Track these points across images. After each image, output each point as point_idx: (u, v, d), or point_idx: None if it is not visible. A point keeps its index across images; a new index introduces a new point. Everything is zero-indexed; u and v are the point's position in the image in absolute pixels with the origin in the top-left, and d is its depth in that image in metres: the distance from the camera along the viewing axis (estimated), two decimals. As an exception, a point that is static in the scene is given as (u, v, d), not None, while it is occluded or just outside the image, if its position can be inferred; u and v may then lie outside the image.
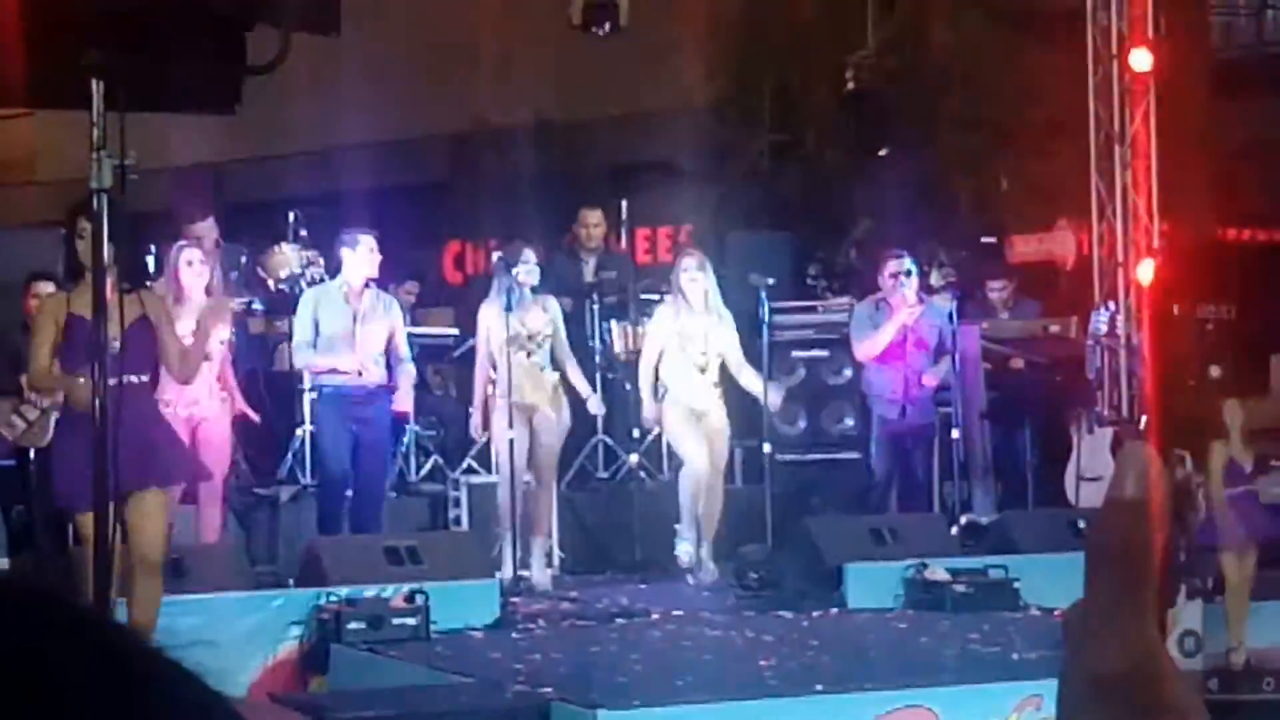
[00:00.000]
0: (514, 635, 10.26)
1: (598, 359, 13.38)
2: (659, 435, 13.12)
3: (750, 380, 12.41)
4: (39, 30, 7.33)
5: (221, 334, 11.28)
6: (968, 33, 17.79)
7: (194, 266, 11.09)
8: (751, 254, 14.96)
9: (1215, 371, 12.86)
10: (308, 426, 12.56)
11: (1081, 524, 11.46)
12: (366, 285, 11.87)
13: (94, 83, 7.23)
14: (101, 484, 7.45)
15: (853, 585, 11.25)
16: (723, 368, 12.34)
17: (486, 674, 9.00)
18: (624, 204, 15.12)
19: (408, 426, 13.13)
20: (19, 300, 12.06)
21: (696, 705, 8.23)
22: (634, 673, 9.04)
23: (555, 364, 12.10)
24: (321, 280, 12.54)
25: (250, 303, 13.01)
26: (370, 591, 10.18)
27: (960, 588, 11.06)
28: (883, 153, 16.74)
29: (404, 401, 12.23)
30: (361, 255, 11.78)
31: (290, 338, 12.24)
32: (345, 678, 9.72)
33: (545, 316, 12.06)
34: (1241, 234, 17.96)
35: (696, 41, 18.52)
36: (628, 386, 13.45)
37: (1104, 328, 14.12)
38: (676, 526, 12.26)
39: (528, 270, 11.96)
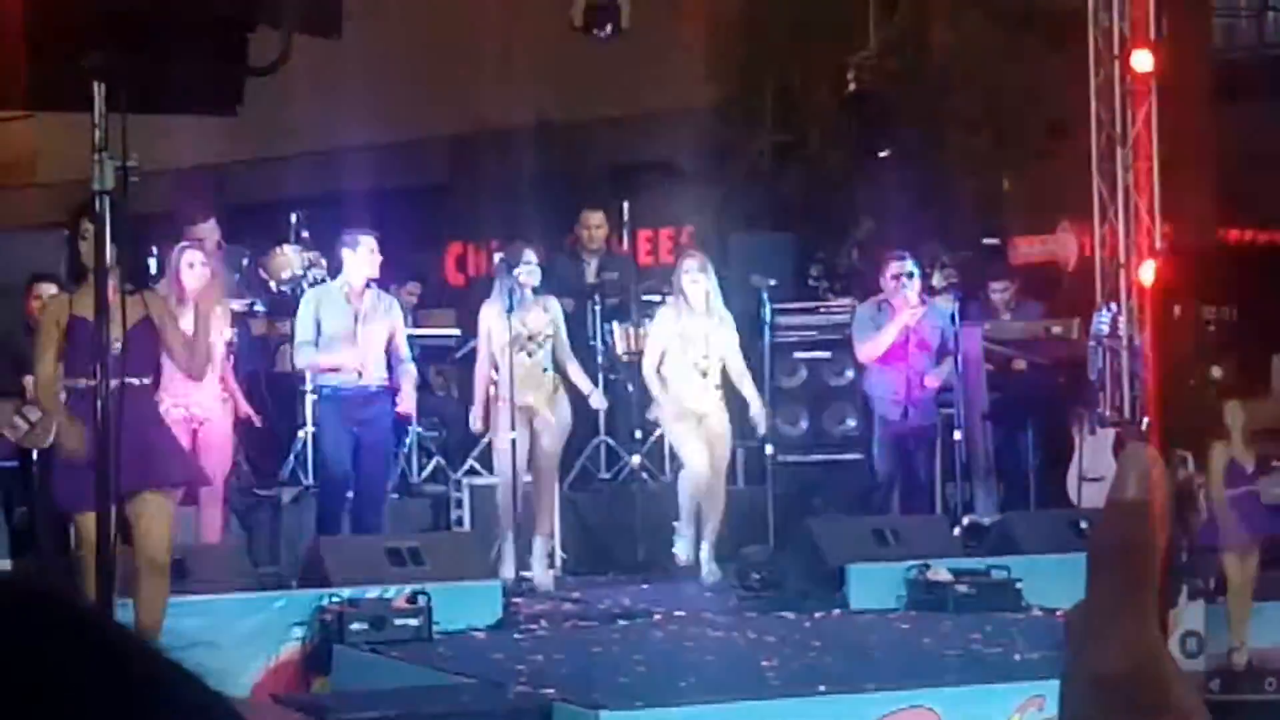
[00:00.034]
0: (516, 636, 10.27)
1: (599, 360, 13.38)
2: (661, 436, 13.13)
3: (749, 391, 12.42)
4: (40, 32, 7.33)
5: (224, 333, 11.28)
6: (970, 34, 17.78)
7: (195, 269, 11.10)
8: (753, 255, 14.97)
9: (1217, 372, 12.85)
10: (310, 428, 12.56)
11: (1084, 525, 11.46)
12: (367, 285, 11.88)
13: (95, 84, 7.23)
14: (103, 485, 7.45)
15: (855, 586, 11.25)
16: (724, 369, 12.35)
17: (489, 675, 9.01)
18: (625, 205, 15.12)
19: (410, 428, 13.14)
20: (21, 302, 12.06)
21: (699, 706, 8.23)
22: (636, 673, 9.04)
23: (556, 364, 12.11)
24: (323, 282, 12.55)
25: (252, 304, 13.01)
26: (373, 592, 10.19)
27: (962, 588, 11.06)
28: (884, 154, 16.73)
29: (407, 402, 12.23)
30: (362, 256, 11.79)
31: (292, 339, 12.25)
32: (347, 678, 9.72)
33: (546, 317, 12.06)
34: (1243, 235, 17.96)
35: (698, 42, 18.52)
36: (629, 388, 13.45)
37: (1106, 329, 14.12)
38: (675, 524, 12.29)
39: (529, 271, 11.96)
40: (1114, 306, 14.28)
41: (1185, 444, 11.13)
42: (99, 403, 7.51)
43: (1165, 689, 1.03)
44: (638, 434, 13.31)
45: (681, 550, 12.26)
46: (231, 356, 12.17)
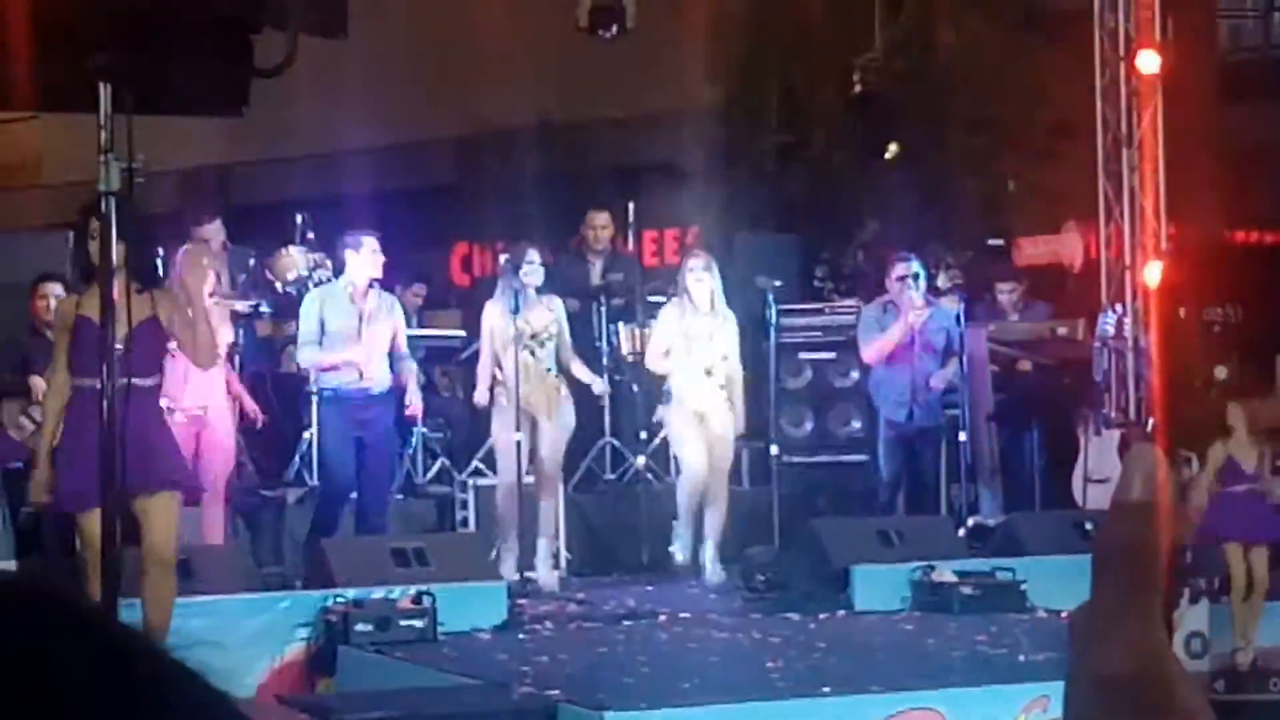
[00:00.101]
0: (521, 637, 10.27)
1: (604, 361, 13.38)
2: (666, 438, 13.13)
3: (736, 394, 12.41)
4: (46, 34, 7.34)
5: (224, 333, 11.27)
6: (975, 35, 17.78)
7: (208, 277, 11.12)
8: (758, 256, 14.97)
9: (1222, 373, 12.85)
10: (315, 428, 12.56)
11: (1089, 526, 11.46)
12: (371, 286, 11.89)
13: (101, 86, 7.24)
14: (105, 486, 7.45)
15: (860, 587, 11.25)
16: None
17: (494, 675, 9.01)
18: (630, 206, 15.12)
19: (415, 428, 13.14)
20: (26, 303, 12.07)
21: (703, 707, 8.23)
22: (641, 674, 9.04)
23: (560, 364, 12.11)
24: (329, 282, 12.56)
25: (257, 305, 13.01)
26: (378, 593, 10.19)
27: (967, 590, 11.06)
28: (889, 155, 16.73)
29: (415, 403, 12.27)
30: (365, 256, 11.81)
31: (297, 339, 12.25)
32: (352, 679, 9.72)
33: (550, 316, 12.07)
34: (1248, 236, 17.96)
35: (703, 43, 18.51)
36: (635, 388, 13.45)
37: (1111, 330, 14.12)
38: (674, 523, 12.32)
39: (532, 270, 11.98)
40: (1119, 307, 14.27)
41: (1190, 445, 11.12)
42: (104, 403, 7.53)
43: (1170, 690, 1.03)
44: (643, 435, 13.32)
45: (679, 551, 12.29)
46: (236, 357, 12.19)
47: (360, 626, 9.88)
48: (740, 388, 12.45)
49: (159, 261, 11.99)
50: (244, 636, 9.62)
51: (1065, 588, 9.83)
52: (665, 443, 13.23)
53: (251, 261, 13.41)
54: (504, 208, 17.20)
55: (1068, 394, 14.06)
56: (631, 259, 14.89)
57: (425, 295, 15.15)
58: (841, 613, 11.07)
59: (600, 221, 14.30)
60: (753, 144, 18.37)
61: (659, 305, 13.05)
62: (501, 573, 11.52)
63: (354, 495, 11.97)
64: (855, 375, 13.96)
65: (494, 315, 12.07)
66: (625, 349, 13.49)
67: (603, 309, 13.75)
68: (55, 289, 11.74)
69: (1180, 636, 10.23)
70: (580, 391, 12.45)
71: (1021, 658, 9.30)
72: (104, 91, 7.25)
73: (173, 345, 8.95)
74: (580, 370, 12.33)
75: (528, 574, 11.74)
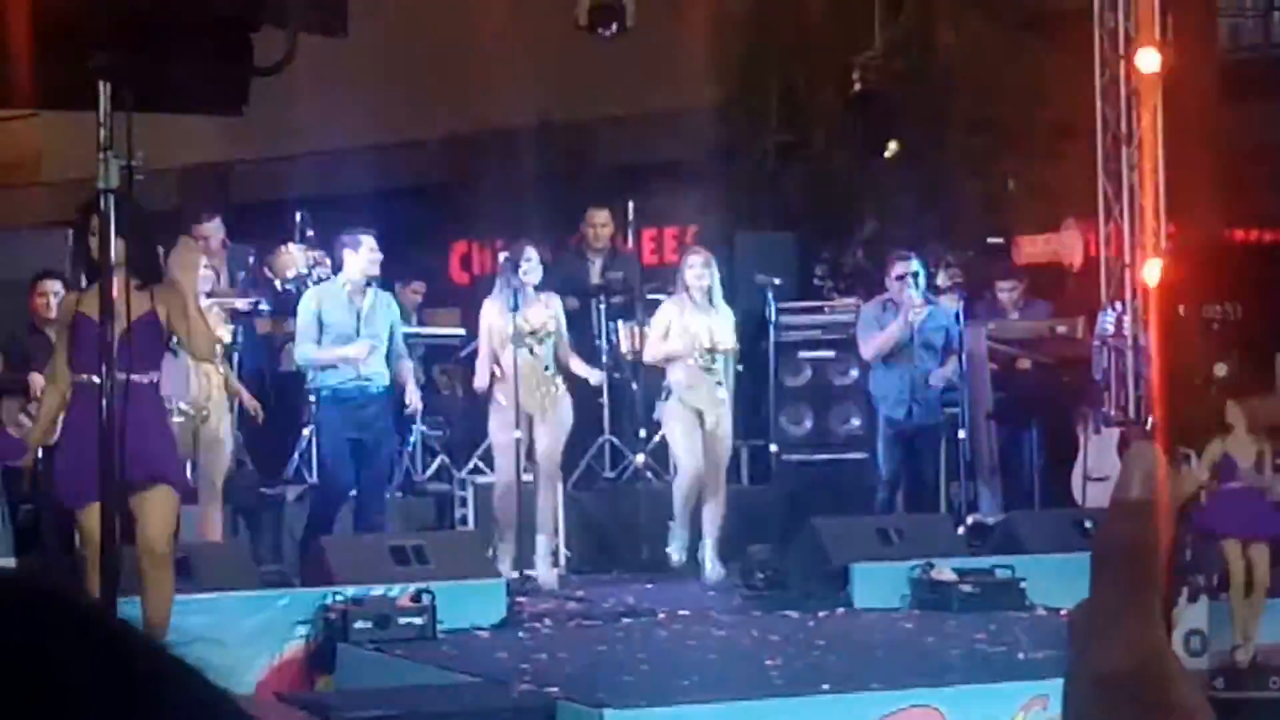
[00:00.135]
0: (520, 635, 10.27)
1: (604, 359, 13.38)
2: (665, 435, 13.14)
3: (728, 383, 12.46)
4: (46, 32, 7.34)
5: (221, 333, 11.27)
6: (974, 34, 17.77)
7: (199, 271, 11.10)
8: (758, 255, 14.98)
9: (1221, 371, 12.85)
10: (314, 426, 12.57)
11: (1088, 524, 11.46)
12: (368, 284, 11.90)
13: (101, 84, 7.24)
14: (104, 481, 7.46)
15: (859, 585, 11.25)
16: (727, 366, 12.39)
17: (493, 673, 9.01)
18: (630, 204, 15.13)
19: (415, 426, 13.15)
20: (26, 300, 12.08)
21: (703, 705, 8.23)
22: (640, 672, 9.04)
23: (558, 361, 12.12)
24: (329, 280, 12.56)
25: (257, 303, 13.01)
26: (377, 591, 10.19)
27: (966, 588, 11.06)
28: (889, 153, 16.72)
29: (414, 400, 12.30)
30: (363, 255, 11.83)
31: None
32: (352, 677, 9.72)
33: (548, 313, 12.08)
34: (1248, 234, 17.96)
35: (702, 42, 18.50)
36: (634, 386, 13.46)
37: (1111, 328, 14.12)
38: (670, 524, 12.33)
39: (530, 268, 11.99)
40: (1119, 306, 14.28)
41: (1190, 443, 11.12)
42: (103, 400, 7.53)
43: (1169, 688, 1.03)
44: (642, 433, 13.32)
45: (675, 552, 12.31)
46: (235, 355, 12.19)
47: (359, 624, 9.89)
48: (731, 382, 12.46)
49: (159, 258, 12.02)
50: (243, 634, 9.62)
51: (1064, 586, 9.83)
52: (665, 440, 13.24)
53: (251, 259, 13.41)
54: (503, 206, 17.20)
55: (1067, 392, 14.07)
56: (631, 257, 14.89)
57: (424, 293, 15.15)
58: (841, 610, 11.07)
59: (600, 220, 14.31)
60: (752, 143, 18.37)
61: (658, 304, 13.06)
62: (502, 571, 11.53)
63: (352, 494, 11.97)
64: (855, 373, 13.97)
65: (492, 313, 12.08)
66: (625, 347, 13.50)
67: (602, 307, 13.75)
68: (55, 286, 11.74)
69: (1179, 634, 10.22)
70: (579, 389, 12.45)
71: (1020, 656, 9.30)
72: (104, 89, 7.25)
73: (173, 342, 8.95)
74: (578, 365, 12.34)
75: (527, 572, 11.75)
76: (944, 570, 11.22)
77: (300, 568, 11.24)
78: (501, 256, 12.43)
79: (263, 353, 13.34)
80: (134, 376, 8.05)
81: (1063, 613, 9.42)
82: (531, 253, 12.11)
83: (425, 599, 10.05)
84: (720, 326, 12.31)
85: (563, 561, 12.40)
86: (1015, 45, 17.17)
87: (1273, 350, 14.05)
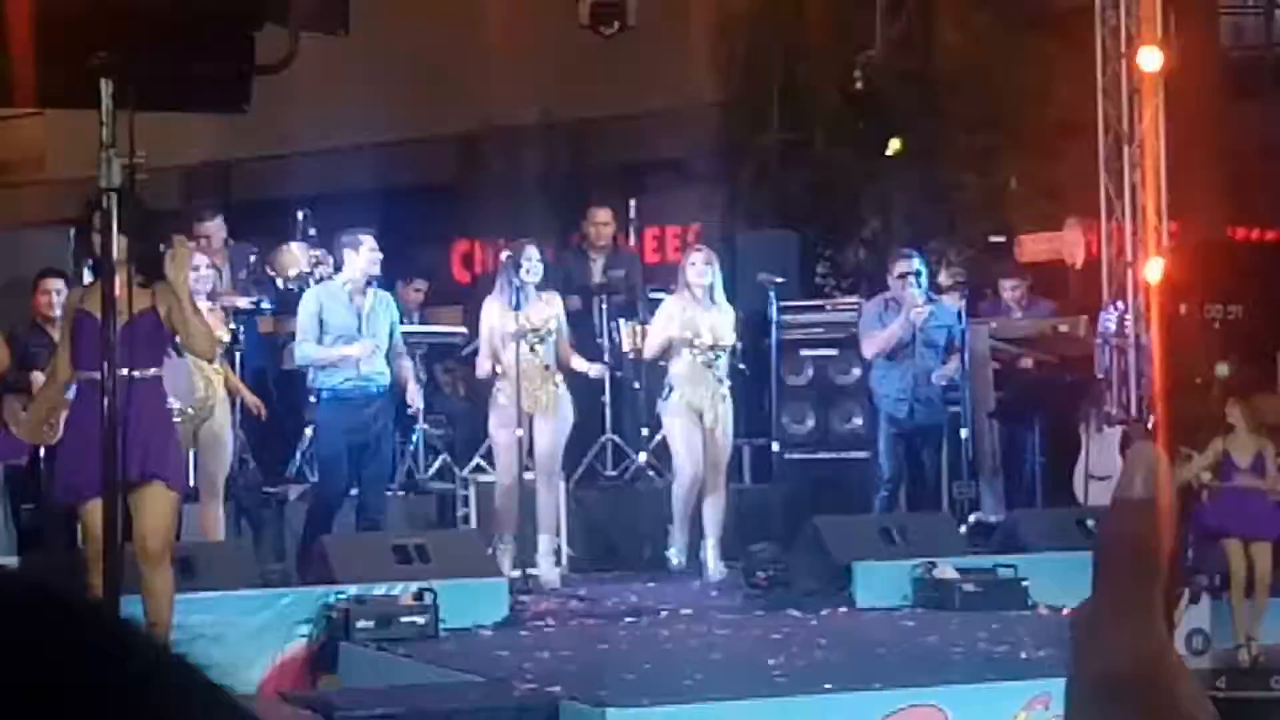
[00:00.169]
0: (523, 633, 10.27)
1: (606, 358, 13.38)
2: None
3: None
4: (49, 31, 7.34)
5: (221, 333, 11.27)
6: (976, 32, 17.76)
7: (200, 271, 11.13)
8: (760, 253, 14.96)
9: (1223, 370, 12.85)
10: (314, 427, 12.56)
11: (1090, 523, 11.45)
12: (369, 284, 11.90)
13: (103, 82, 7.25)
14: (108, 477, 7.46)
15: (861, 584, 11.25)
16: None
17: (495, 672, 9.01)
18: (632, 203, 15.12)
19: (417, 425, 13.14)
20: (29, 298, 12.08)
21: (705, 704, 8.23)
22: (643, 671, 9.03)
23: (559, 360, 12.11)
24: (330, 279, 12.56)
25: (259, 301, 13.01)
26: (379, 590, 10.19)
27: (969, 586, 11.06)
28: (891, 151, 16.72)
29: (416, 399, 12.29)
30: (364, 255, 11.82)
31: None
32: (354, 676, 9.72)
33: (550, 311, 12.08)
34: (1250, 233, 17.94)
35: (704, 40, 18.50)
36: (636, 385, 13.46)
37: (1113, 327, 14.11)
38: (669, 527, 12.33)
39: (531, 267, 11.99)
40: (1121, 304, 14.27)
41: (1191, 442, 11.12)
42: (104, 398, 7.54)
43: (1171, 687, 1.03)
44: (644, 431, 13.32)
45: (674, 555, 12.31)
46: (237, 353, 12.19)
47: (362, 623, 9.89)
48: (724, 373, 12.48)
49: (162, 256, 12.03)
50: (245, 633, 9.62)
51: (1066, 585, 9.82)
52: (667, 439, 13.24)
53: (253, 258, 13.41)
54: (505, 204, 17.19)
55: (1069, 391, 14.06)
56: (633, 256, 14.89)
57: (426, 291, 15.15)
58: (843, 609, 11.07)
59: (602, 218, 14.30)
60: (755, 141, 18.35)
61: (660, 302, 13.06)
62: (502, 570, 11.53)
63: (354, 493, 11.96)
64: (857, 372, 13.96)
65: (493, 312, 12.07)
66: (626, 346, 13.49)
67: (604, 306, 13.75)
68: (57, 285, 11.75)
69: (1182, 633, 10.22)
70: (582, 388, 12.45)
71: (1023, 655, 9.31)
72: (106, 88, 7.25)
73: (175, 340, 8.95)
74: (578, 362, 12.34)
75: (529, 571, 11.74)
76: (946, 569, 11.22)
77: (300, 567, 11.23)
78: (503, 255, 12.43)
79: (265, 351, 13.33)
80: (135, 372, 8.05)
81: (1065, 611, 9.43)
82: (533, 251, 12.11)
83: (427, 598, 10.05)
84: (721, 324, 12.33)
85: (565, 560, 12.39)
86: (1017, 44, 17.16)
87: (1274, 349, 14.06)
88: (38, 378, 10.55)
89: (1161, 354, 13.71)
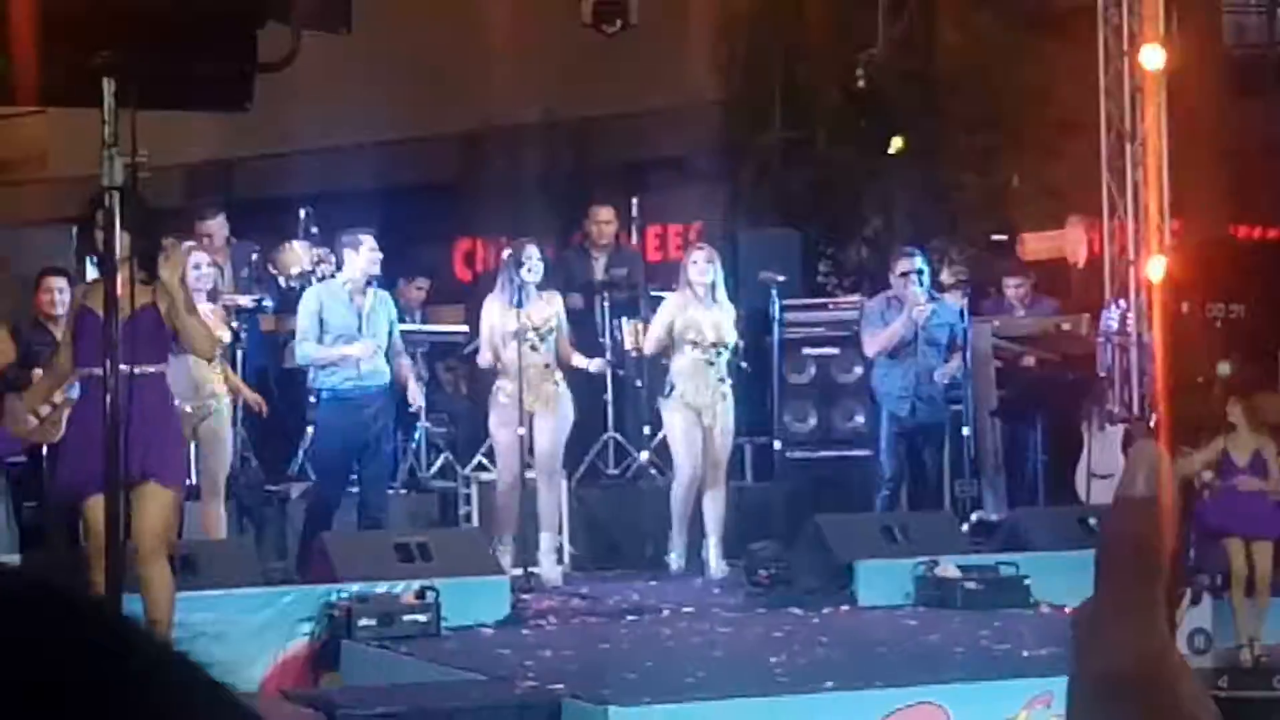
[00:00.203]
0: (525, 632, 10.27)
1: (608, 356, 13.39)
2: (668, 432, 13.15)
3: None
4: (51, 29, 7.34)
5: (222, 332, 11.27)
6: (978, 31, 17.76)
7: (201, 270, 11.13)
8: (762, 251, 14.96)
9: (1225, 368, 12.85)
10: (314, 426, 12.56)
11: (1092, 521, 11.46)
12: (369, 283, 11.90)
13: (105, 81, 7.25)
14: (110, 474, 7.46)
15: (863, 582, 11.25)
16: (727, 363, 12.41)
17: (497, 670, 9.01)
18: (635, 201, 15.12)
19: (419, 424, 13.15)
20: (32, 295, 12.08)
21: (707, 702, 8.23)
22: (645, 669, 9.04)
23: (559, 358, 12.12)
24: (332, 277, 12.56)
25: (261, 300, 13.01)
26: (381, 588, 10.19)
27: (971, 585, 11.06)
28: (893, 150, 16.72)
29: (417, 398, 12.29)
30: (364, 254, 11.82)
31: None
32: (356, 674, 9.72)
33: (550, 309, 12.09)
34: (1252, 231, 17.94)
35: (706, 39, 18.50)
36: (639, 384, 13.46)
37: (1115, 325, 14.12)
38: (669, 532, 12.33)
39: (532, 265, 12.00)
40: (1123, 303, 14.27)
41: (1193, 440, 11.12)
42: (106, 395, 7.54)
43: (1173, 686, 1.03)
44: (646, 430, 13.32)
45: (675, 558, 12.32)
46: (239, 352, 12.19)
47: (364, 621, 9.89)
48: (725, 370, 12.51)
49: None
50: (248, 631, 9.62)
51: (1068, 583, 9.82)
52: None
53: (255, 256, 13.41)
54: (507, 203, 17.19)
55: (1071, 389, 14.06)
56: (635, 254, 14.89)
57: (428, 290, 15.15)
58: (845, 608, 11.07)
59: (604, 216, 14.31)
60: (757, 139, 18.36)
61: (662, 300, 13.07)
62: (504, 568, 11.53)
63: (355, 491, 11.97)
64: (859, 370, 13.96)
65: (494, 311, 12.08)
66: (628, 344, 13.50)
67: (606, 304, 13.75)
68: (60, 283, 11.75)
69: (1184, 633, 10.22)
70: (583, 387, 12.45)
71: (1025, 653, 9.31)
72: (108, 86, 7.26)
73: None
74: (578, 358, 12.34)
75: (531, 569, 11.75)
76: (948, 567, 11.22)
77: (302, 565, 11.23)
78: (505, 254, 12.44)
79: (267, 350, 13.34)
80: (138, 368, 8.06)
81: (1067, 610, 9.43)
82: (534, 250, 12.12)
83: (429, 596, 10.05)
84: (723, 322, 12.33)
85: (567, 558, 12.40)
86: (1019, 42, 17.16)
87: (1276, 348, 14.06)
88: (39, 376, 10.54)
89: (1163, 352, 13.70)
